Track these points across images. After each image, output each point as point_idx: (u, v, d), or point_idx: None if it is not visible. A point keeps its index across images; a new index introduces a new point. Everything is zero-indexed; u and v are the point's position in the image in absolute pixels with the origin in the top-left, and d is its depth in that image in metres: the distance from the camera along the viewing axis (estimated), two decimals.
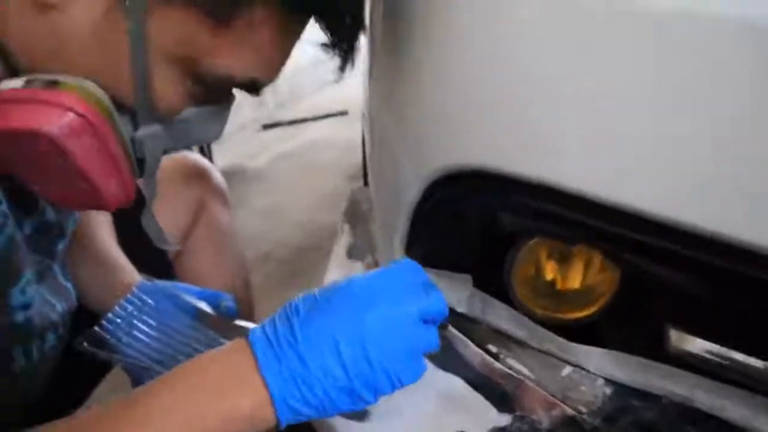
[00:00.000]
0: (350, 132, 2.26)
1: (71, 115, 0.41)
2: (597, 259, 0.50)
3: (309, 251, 1.65)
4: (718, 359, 0.42)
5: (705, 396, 0.44)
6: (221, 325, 0.70)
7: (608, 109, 0.40)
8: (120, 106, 0.45)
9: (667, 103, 0.38)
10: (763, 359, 0.41)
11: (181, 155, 0.99)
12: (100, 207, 0.48)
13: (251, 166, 2.16)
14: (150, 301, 0.69)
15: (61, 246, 0.64)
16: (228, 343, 0.45)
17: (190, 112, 0.49)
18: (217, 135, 0.53)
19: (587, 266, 0.51)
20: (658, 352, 0.45)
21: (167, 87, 0.45)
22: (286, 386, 0.40)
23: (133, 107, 0.46)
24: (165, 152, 0.53)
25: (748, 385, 0.42)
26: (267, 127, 2.43)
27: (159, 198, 0.97)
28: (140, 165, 0.49)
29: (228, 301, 0.72)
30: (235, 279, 0.97)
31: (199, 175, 0.97)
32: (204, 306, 0.71)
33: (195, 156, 1.00)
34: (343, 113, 2.45)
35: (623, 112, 0.39)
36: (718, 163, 0.37)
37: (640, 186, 0.40)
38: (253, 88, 0.49)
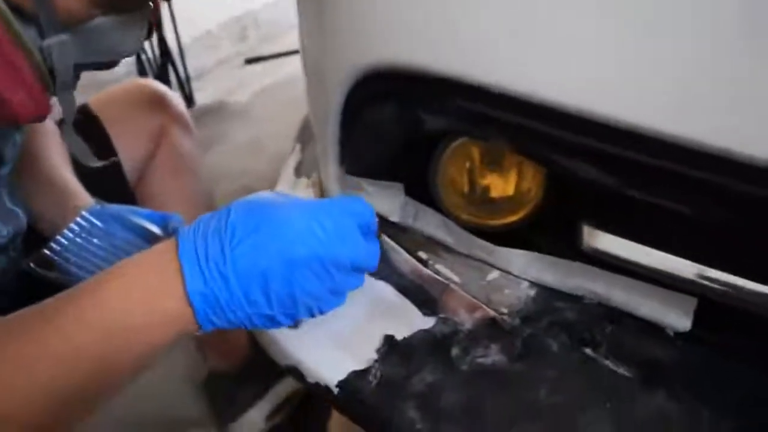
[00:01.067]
0: None
1: None
2: (526, 166, 0.49)
3: None
4: (630, 256, 0.42)
5: (621, 294, 0.44)
6: None
7: (534, 7, 0.38)
8: (22, 14, 0.44)
9: None
10: (672, 253, 0.41)
11: (139, 82, 0.98)
12: (13, 119, 0.47)
13: (233, 101, 2.13)
14: (98, 223, 0.70)
15: (2, 171, 0.63)
16: (156, 246, 0.43)
17: (100, 21, 0.48)
18: (136, 46, 0.52)
19: (519, 173, 0.51)
20: (578, 252, 0.45)
21: None
22: (208, 305, 0.40)
23: (35, 15, 0.44)
24: (83, 67, 0.51)
25: (660, 281, 0.42)
26: (249, 61, 2.37)
27: (118, 125, 0.96)
28: (52, 77, 0.48)
29: (176, 222, 0.72)
30: (199, 204, 0.97)
31: (159, 102, 0.96)
32: (153, 227, 0.71)
33: (152, 83, 0.99)
34: None
35: (546, 10, 0.38)
36: (636, 50, 0.36)
37: (558, 78, 0.39)
38: None
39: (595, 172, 0.40)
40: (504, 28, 0.39)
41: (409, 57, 0.43)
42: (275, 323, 0.43)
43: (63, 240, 0.68)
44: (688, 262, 0.40)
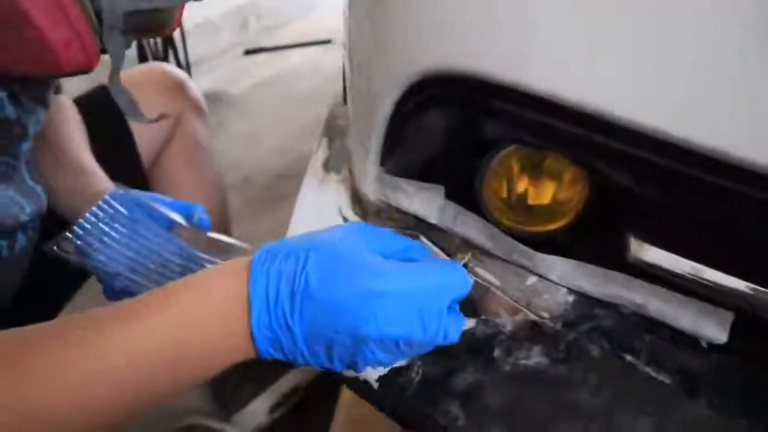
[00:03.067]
0: (333, 61, 2.22)
1: None
2: (567, 174, 0.51)
3: (288, 178, 1.65)
4: (676, 269, 0.44)
5: (658, 304, 0.46)
6: (193, 236, 0.70)
7: (585, 15, 0.40)
8: None
9: (646, 10, 0.37)
10: (716, 269, 0.43)
11: (156, 66, 0.97)
12: (56, 65, 0.45)
13: (232, 91, 2.12)
14: (122, 209, 0.69)
15: (24, 147, 0.63)
16: (223, 271, 0.39)
17: None
18: None
19: (558, 182, 0.52)
20: (619, 262, 0.46)
21: None
22: (272, 346, 0.38)
23: None
24: (133, 15, 0.49)
25: (698, 294, 0.44)
26: (249, 52, 2.36)
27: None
28: (99, 21, 0.46)
29: (201, 213, 0.72)
30: (211, 193, 0.97)
31: (176, 87, 0.96)
32: (177, 217, 0.71)
33: (171, 67, 0.98)
34: (327, 42, 2.39)
35: (601, 19, 0.39)
36: (689, 71, 0.38)
37: (611, 92, 0.40)
38: None
39: (646, 185, 0.42)
40: (563, 40, 0.41)
41: (468, 63, 0.44)
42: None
43: (86, 224, 0.67)
44: (731, 278, 0.42)
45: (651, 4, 0.37)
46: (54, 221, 0.73)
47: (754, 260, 0.42)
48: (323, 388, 0.99)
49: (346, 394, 0.90)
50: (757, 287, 0.41)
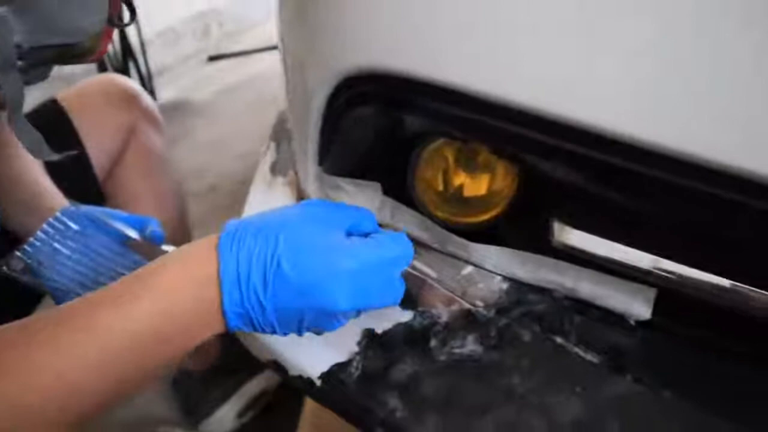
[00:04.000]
0: None
1: None
2: (500, 165, 0.52)
3: None
4: (597, 251, 0.45)
5: (587, 286, 0.47)
6: (148, 250, 0.70)
7: (505, 7, 0.41)
8: None
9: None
10: (639, 248, 0.44)
11: (107, 77, 0.97)
12: None
13: (196, 98, 2.11)
14: (73, 225, 0.69)
15: None
16: (192, 254, 0.42)
17: None
18: (93, 25, 0.47)
19: (492, 173, 0.53)
20: (546, 247, 0.48)
21: None
22: (241, 320, 0.41)
23: None
24: (38, 49, 0.46)
25: (623, 273, 0.46)
26: (213, 59, 2.35)
27: (88, 120, 0.94)
28: None
29: (154, 226, 0.73)
30: (169, 203, 0.97)
31: (129, 99, 0.95)
32: (130, 231, 0.71)
33: (123, 78, 0.98)
34: None
35: (516, 11, 0.40)
36: (607, 60, 0.39)
37: (530, 83, 0.41)
38: None
39: (566, 171, 0.43)
40: (479, 34, 0.42)
41: (390, 61, 0.45)
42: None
43: (36, 242, 0.67)
44: (647, 255, 0.43)
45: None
46: (6, 240, 0.73)
47: (668, 240, 0.43)
48: (290, 391, 0.99)
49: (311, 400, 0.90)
50: (667, 263, 0.43)
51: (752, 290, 0.42)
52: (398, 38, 0.45)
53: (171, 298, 0.40)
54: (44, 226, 0.68)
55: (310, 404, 0.89)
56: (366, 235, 0.46)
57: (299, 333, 0.43)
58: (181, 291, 0.40)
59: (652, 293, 0.45)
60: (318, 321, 0.42)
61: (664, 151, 0.38)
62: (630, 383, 0.43)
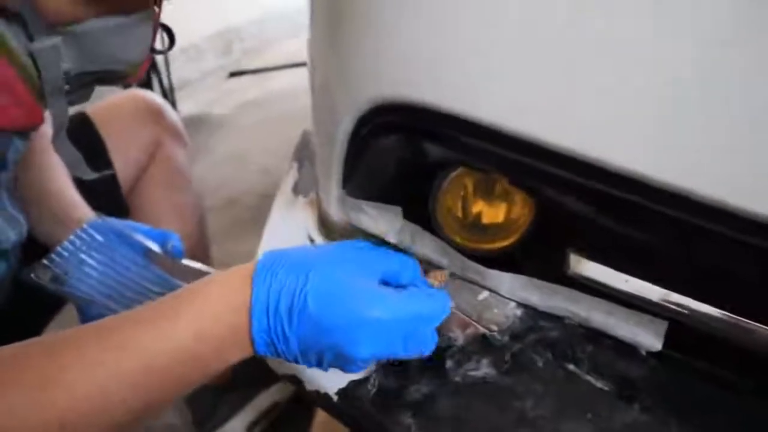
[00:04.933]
0: None
1: None
2: (517, 195, 0.54)
3: (273, 197, 1.67)
4: (610, 282, 0.47)
5: (600, 316, 0.48)
6: (168, 263, 0.72)
7: (526, 49, 0.43)
8: (5, 14, 0.43)
9: (584, 42, 0.40)
10: (650, 281, 0.46)
11: (134, 93, 1.00)
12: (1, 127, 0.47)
13: (216, 113, 2.15)
14: (99, 237, 0.71)
15: (3, 176, 0.65)
16: (227, 283, 0.43)
17: (93, 23, 0.46)
18: (139, 54, 0.51)
19: (509, 201, 0.55)
20: (561, 277, 0.49)
21: None
22: (268, 349, 0.43)
23: (21, 15, 0.43)
24: (85, 75, 0.50)
25: (635, 305, 0.47)
26: (233, 74, 2.40)
27: (115, 134, 0.97)
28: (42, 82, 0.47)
29: (175, 241, 0.74)
30: (190, 218, 0.99)
31: (154, 114, 0.98)
32: (152, 244, 0.73)
33: (150, 94, 1.01)
34: None
35: (538, 51, 0.42)
36: (621, 102, 0.41)
37: (549, 120, 0.43)
38: None
39: (580, 205, 0.45)
40: (500, 71, 0.44)
41: (415, 93, 0.48)
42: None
43: (64, 252, 0.69)
44: (659, 288, 0.45)
45: (582, 38, 0.40)
46: (34, 248, 0.75)
47: (679, 274, 0.45)
48: (299, 406, 1.01)
49: (322, 412, 0.92)
50: (679, 297, 0.44)
51: (757, 326, 0.44)
52: (424, 72, 0.47)
53: (207, 323, 0.41)
54: (71, 237, 0.70)
55: (319, 419, 0.90)
56: (403, 286, 0.47)
57: (321, 368, 0.44)
58: (216, 316, 0.42)
59: (663, 326, 0.47)
60: (338, 362, 0.43)
61: (672, 189, 0.40)
62: (638, 412, 0.44)
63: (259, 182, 1.77)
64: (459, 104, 0.46)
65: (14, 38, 0.44)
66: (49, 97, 0.49)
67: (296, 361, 0.44)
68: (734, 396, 0.44)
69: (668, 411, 0.44)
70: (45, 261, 0.69)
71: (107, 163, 0.92)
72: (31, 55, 0.45)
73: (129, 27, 0.49)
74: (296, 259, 0.43)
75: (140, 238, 0.73)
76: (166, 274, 0.70)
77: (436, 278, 0.51)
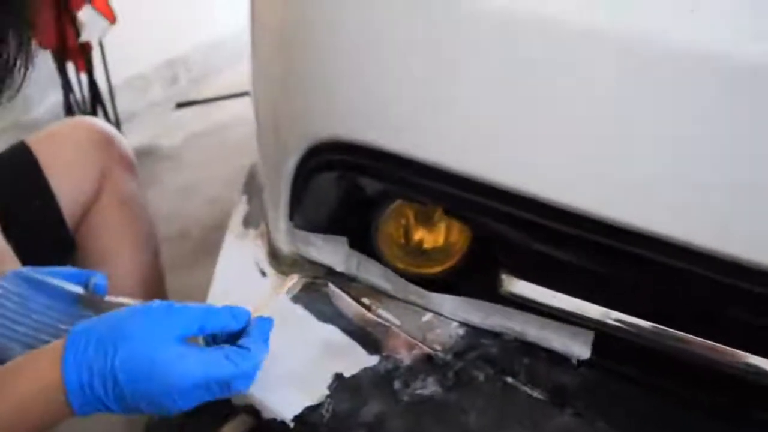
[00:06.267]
0: None
1: None
2: (453, 223, 0.58)
3: (223, 229, 1.67)
4: (540, 299, 0.51)
5: (533, 330, 0.53)
6: (92, 303, 0.72)
7: (455, 89, 0.47)
8: None
9: (504, 81, 0.44)
10: (577, 296, 0.50)
11: (81, 120, 0.97)
12: None
13: (164, 144, 2.14)
14: (12, 288, 0.71)
15: None
16: (42, 360, 0.47)
17: None
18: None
19: (448, 228, 0.59)
20: (497, 296, 0.53)
21: None
22: (88, 412, 0.47)
23: None
24: None
25: (564, 319, 0.51)
26: (181, 105, 2.39)
27: (59, 165, 0.94)
28: None
29: (97, 279, 0.73)
30: (143, 248, 0.97)
31: (104, 142, 0.93)
32: (73, 287, 0.72)
33: (97, 121, 0.97)
34: None
35: (466, 91, 0.47)
36: (544, 139, 0.45)
37: (479, 156, 0.48)
38: None
39: (511, 232, 0.49)
40: (428, 112, 0.48)
41: (354, 133, 0.51)
42: None
43: None
44: (587, 303, 0.50)
45: (503, 75, 0.45)
46: None
47: (602, 289, 0.50)
48: None
49: None
50: (603, 310, 0.49)
51: (677, 333, 0.49)
52: (361, 112, 0.51)
53: (24, 403, 0.46)
54: None
55: None
56: (226, 336, 0.50)
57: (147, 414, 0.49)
58: (32, 396, 0.46)
59: (590, 336, 0.51)
60: (158, 412, 0.48)
61: (590, 215, 0.45)
62: (570, 416, 0.48)
63: (208, 213, 1.77)
64: (394, 143, 0.50)
65: None
66: None
67: (121, 413, 0.47)
68: (657, 397, 0.49)
69: (597, 413, 0.48)
70: None
71: (48, 197, 0.89)
72: None
73: None
74: (103, 332, 0.47)
75: (59, 282, 0.72)
76: (90, 313, 0.70)
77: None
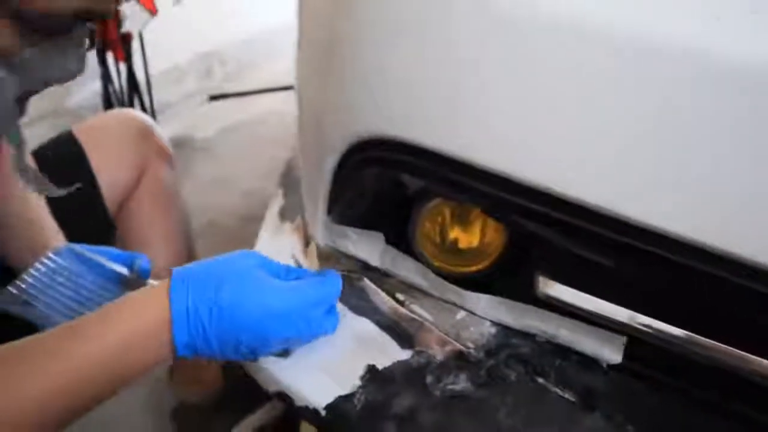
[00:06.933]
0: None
1: None
2: (490, 223, 0.58)
3: (254, 220, 1.69)
4: (575, 302, 0.52)
5: (566, 333, 0.53)
6: (135, 285, 0.74)
7: (500, 89, 0.48)
8: None
9: (550, 87, 0.45)
10: (612, 301, 0.51)
11: (123, 112, 1.01)
12: None
13: (198, 136, 2.18)
14: (64, 263, 0.73)
15: None
16: (150, 291, 0.50)
17: (31, 51, 0.50)
18: (76, 70, 0.53)
19: (484, 228, 0.60)
20: (532, 297, 0.54)
21: None
22: (189, 350, 0.50)
23: None
24: (24, 97, 0.53)
25: (597, 323, 0.52)
26: (214, 98, 2.43)
27: (102, 154, 0.98)
28: None
29: (142, 261, 0.76)
30: (177, 238, 1.01)
31: (143, 133, 0.98)
32: (119, 267, 0.75)
33: (139, 114, 1.02)
34: (291, 88, 2.48)
35: (512, 91, 0.47)
36: (586, 141, 0.46)
37: (521, 157, 0.48)
38: (89, 18, 0.51)
39: (550, 234, 0.50)
40: (474, 110, 0.49)
41: (397, 130, 0.52)
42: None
43: (28, 279, 0.71)
44: (621, 308, 0.50)
45: (547, 76, 0.45)
46: (8, 277, 0.77)
47: (637, 295, 0.50)
48: (284, 430, 1.03)
49: None
50: (637, 316, 0.49)
51: (711, 342, 0.49)
52: (405, 110, 0.52)
53: (125, 341, 0.47)
54: (37, 264, 0.72)
55: None
56: (298, 277, 0.56)
57: (236, 357, 0.51)
58: (133, 334, 0.48)
59: (622, 340, 0.51)
60: (252, 349, 0.50)
61: (630, 220, 0.45)
62: (599, 419, 0.49)
63: (240, 205, 1.80)
64: (434, 140, 0.51)
65: None
66: (2, 125, 0.53)
67: (214, 357, 0.50)
68: (684, 404, 0.49)
69: (626, 418, 0.48)
70: (10, 287, 0.71)
71: (92, 183, 0.92)
72: None
73: (64, 48, 0.52)
74: (206, 269, 0.51)
75: (106, 261, 0.74)
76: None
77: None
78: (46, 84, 0.53)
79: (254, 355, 0.51)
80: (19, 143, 0.55)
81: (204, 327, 0.48)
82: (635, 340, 0.51)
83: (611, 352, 0.52)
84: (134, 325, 0.48)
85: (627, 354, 0.51)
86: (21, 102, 0.53)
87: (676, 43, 0.41)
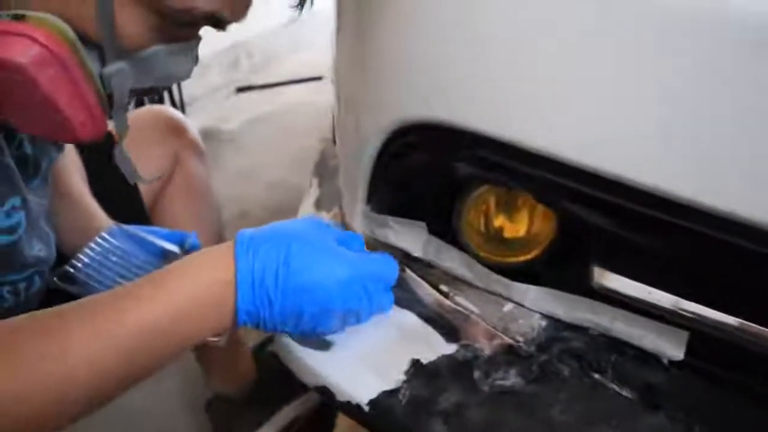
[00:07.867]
0: (324, 97, 2.28)
1: (36, 45, 0.44)
2: (539, 209, 0.56)
3: (284, 211, 1.69)
4: (634, 294, 0.49)
5: (622, 326, 0.50)
6: None
7: (551, 70, 0.45)
8: (87, 42, 0.47)
9: (605, 65, 0.42)
10: (672, 293, 0.48)
11: (157, 109, 1.02)
12: (74, 138, 0.51)
13: (225, 128, 2.18)
14: (116, 242, 0.74)
15: (35, 183, 0.67)
16: (214, 254, 0.49)
17: (156, 48, 0.51)
18: (187, 73, 0.56)
19: (531, 216, 0.57)
20: (585, 288, 0.51)
21: (131, 23, 0.47)
22: (249, 318, 0.48)
23: (99, 43, 0.48)
24: (135, 91, 0.55)
25: (657, 316, 0.49)
26: (241, 90, 2.43)
27: (136, 148, 0.99)
28: (109, 101, 0.52)
29: (192, 239, 0.77)
30: (209, 230, 1.01)
31: (175, 129, 1.00)
32: (170, 246, 0.75)
33: (171, 110, 1.03)
34: (318, 78, 2.47)
35: (563, 72, 0.45)
36: (641, 120, 0.43)
37: (572, 138, 0.45)
38: (218, 23, 0.52)
39: (605, 220, 0.47)
40: (524, 93, 0.46)
41: (443, 114, 0.50)
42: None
43: (84, 258, 0.72)
44: (684, 301, 0.47)
45: (603, 61, 0.43)
46: (61, 261, 0.77)
47: (700, 285, 0.47)
48: (319, 421, 1.02)
49: (341, 427, 0.93)
50: (701, 308, 0.46)
51: None
52: (451, 92, 0.49)
53: (189, 298, 0.46)
54: (91, 243, 0.73)
55: (340, 431, 0.91)
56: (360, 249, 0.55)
57: (295, 330, 0.50)
58: (198, 291, 0.46)
59: (685, 335, 0.48)
60: (314, 321, 0.49)
61: (691, 203, 0.42)
62: (663, 419, 0.46)
63: (268, 196, 1.79)
64: (485, 124, 0.48)
65: (92, 63, 0.48)
66: (116, 113, 0.54)
67: (273, 328, 0.49)
68: (756, 404, 0.46)
69: (692, 418, 0.45)
70: (67, 267, 0.71)
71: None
72: (101, 77, 0.49)
73: (181, 51, 0.53)
74: (272, 233, 0.49)
75: (157, 240, 0.75)
76: None
77: None
78: (157, 81, 0.54)
79: (313, 330, 0.50)
80: (122, 131, 0.57)
81: (268, 292, 0.47)
82: (697, 334, 0.48)
83: (673, 348, 0.49)
84: (197, 283, 0.47)
85: (690, 350, 0.48)
86: (132, 95, 0.54)
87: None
